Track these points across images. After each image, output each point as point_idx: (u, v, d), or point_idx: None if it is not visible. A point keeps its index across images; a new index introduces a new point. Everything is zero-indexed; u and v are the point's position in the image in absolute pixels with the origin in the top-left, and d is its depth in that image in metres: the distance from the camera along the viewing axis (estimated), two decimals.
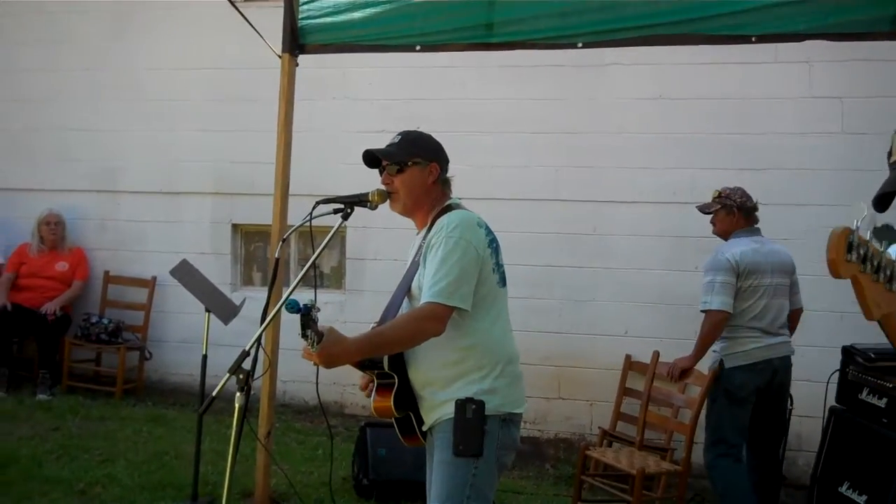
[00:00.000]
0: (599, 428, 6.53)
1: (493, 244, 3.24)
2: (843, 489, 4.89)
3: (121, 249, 8.24)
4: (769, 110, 6.77)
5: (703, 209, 5.61)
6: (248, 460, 5.47)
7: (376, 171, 3.41)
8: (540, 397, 7.10)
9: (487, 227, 3.25)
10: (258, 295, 6.42)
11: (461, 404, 3.06)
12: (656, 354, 5.66)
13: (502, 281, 3.26)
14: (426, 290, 3.08)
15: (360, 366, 3.21)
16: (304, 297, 3.03)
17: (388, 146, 3.37)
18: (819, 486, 5.14)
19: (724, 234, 5.54)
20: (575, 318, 7.06)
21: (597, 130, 7.09)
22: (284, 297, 3.54)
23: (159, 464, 5.94)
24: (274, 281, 4.23)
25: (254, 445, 5.29)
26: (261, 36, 5.28)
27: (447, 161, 3.40)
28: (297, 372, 6.42)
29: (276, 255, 4.28)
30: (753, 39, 4.88)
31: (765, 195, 6.61)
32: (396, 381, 3.19)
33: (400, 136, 3.38)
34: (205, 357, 5.05)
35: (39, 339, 7.69)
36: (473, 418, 3.04)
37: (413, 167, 3.31)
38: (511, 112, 7.23)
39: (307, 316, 2.84)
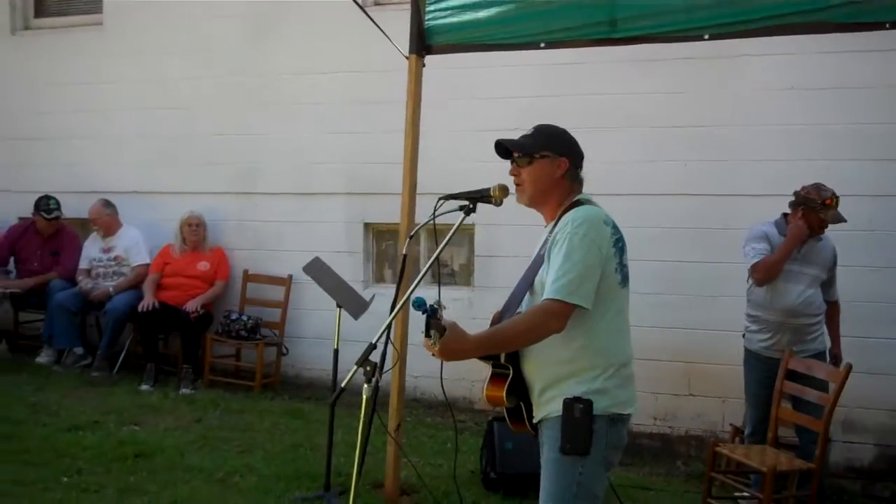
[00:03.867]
0: (731, 425, 6.43)
1: (619, 243, 3.19)
2: None
3: (259, 249, 8.53)
4: None
5: (840, 219, 5.63)
6: (380, 452, 5.60)
7: (505, 168, 3.44)
8: (670, 394, 7.06)
9: (615, 225, 3.22)
10: (389, 292, 6.49)
11: (569, 403, 3.06)
12: (789, 351, 5.53)
13: (624, 281, 3.20)
14: (548, 286, 3.06)
15: (484, 357, 3.24)
16: (431, 294, 3.09)
17: (521, 138, 3.39)
18: None
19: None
20: (705, 314, 6.95)
21: (727, 123, 6.98)
22: (408, 292, 3.65)
23: (295, 455, 6.14)
24: (402, 277, 4.35)
25: (385, 438, 5.41)
26: (388, 38, 5.41)
27: (581, 157, 3.38)
28: (428, 368, 6.48)
29: (404, 252, 4.41)
30: (888, 26, 4.72)
31: None
32: (511, 372, 3.22)
33: (534, 130, 3.39)
34: (336, 351, 5.19)
35: (183, 336, 8.05)
36: (581, 417, 3.04)
37: (542, 160, 3.31)
38: (639, 106, 7.17)
39: (433, 316, 2.87)
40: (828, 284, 5.77)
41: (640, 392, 6.98)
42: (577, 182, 3.37)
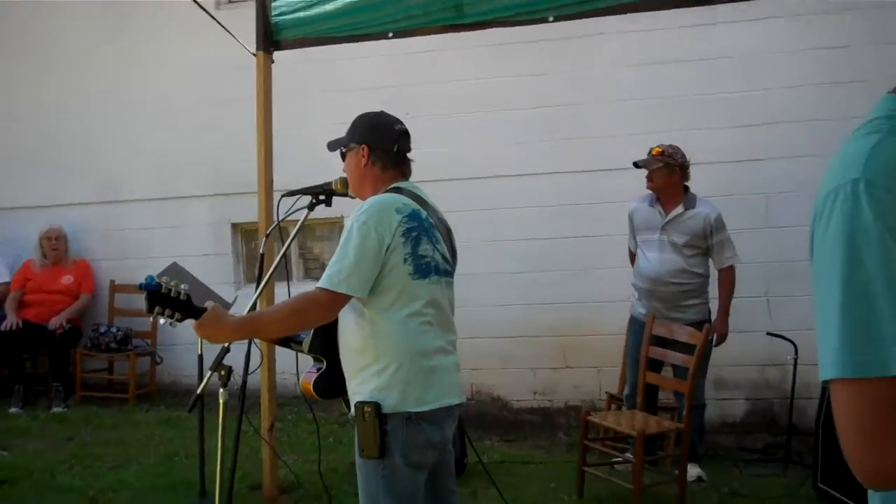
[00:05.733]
0: (607, 393, 6.56)
1: (413, 232, 3.04)
2: None
3: (126, 258, 8.33)
4: (760, 66, 6.72)
5: (643, 165, 5.80)
6: (257, 454, 5.54)
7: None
8: (548, 368, 7.19)
9: (412, 215, 3.07)
10: None
11: (359, 406, 2.99)
12: (652, 318, 5.67)
13: (420, 272, 3.06)
14: (324, 274, 2.99)
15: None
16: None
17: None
18: (823, 432, 5.15)
19: (660, 191, 5.81)
20: (579, 288, 7.08)
21: (588, 101, 7.09)
22: (257, 291, 3.62)
23: (170, 465, 6.02)
24: (260, 276, 4.30)
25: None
26: (233, 36, 5.33)
27: (389, 140, 3.24)
28: (309, 364, 6.51)
29: (262, 251, 4.39)
30: None
31: (764, 150, 6.66)
32: (325, 364, 3.18)
33: None
34: (200, 357, 5.10)
35: (50, 354, 7.79)
36: (369, 421, 2.96)
37: (349, 151, 3.29)
38: (502, 90, 7.23)
39: (154, 293, 2.88)
40: (711, 253, 5.84)
41: (519, 369, 7.17)
42: (389, 168, 3.25)
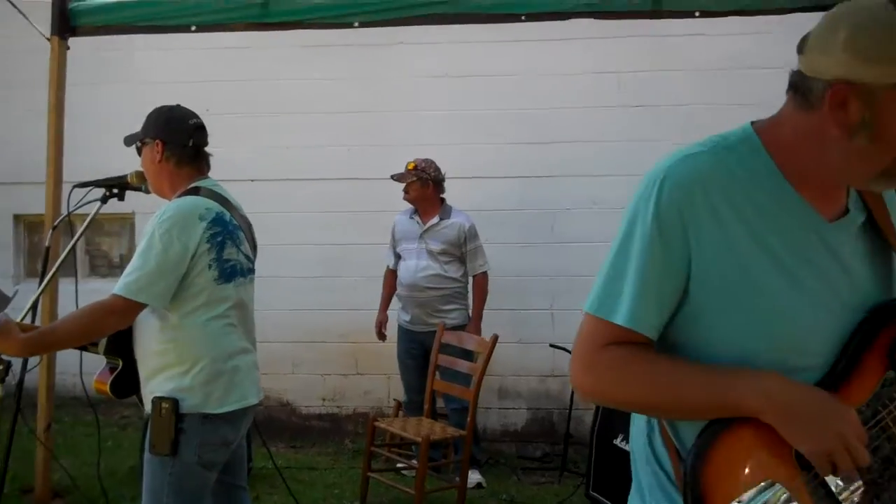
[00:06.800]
0: (395, 400, 6.66)
1: (218, 237, 3.07)
2: (617, 441, 5.14)
3: None
4: (554, 86, 6.98)
5: (398, 178, 6.13)
6: (31, 456, 5.30)
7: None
8: (338, 374, 7.21)
9: (216, 219, 3.08)
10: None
11: (156, 402, 2.97)
12: (441, 326, 5.82)
13: (225, 276, 3.09)
14: (120, 280, 2.96)
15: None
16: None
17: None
18: (597, 441, 5.39)
19: (416, 203, 6.16)
20: (369, 295, 7.09)
21: (387, 109, 7.16)
22: (41, 286, 3.49)
23: None
24: (44, 270, 4.16)
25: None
26: (26, 18, 5.10)
27: (185, 134, 3.20)
28: (94, 365, 6.27)
29: (47, 244, 4.23)
30: (523, 18, 5.07)
31: (553, 167, 6.92)
32: (121, 364, 3.13)
33: None
34: None
35: None
36: (165, 417, 2.94)
37: (144, 147, 3.24)
38: (305, 92, 7.21)
39: None
40: (465, 260, 6.12)
41: (308, 374, 7.15)
42: (184, 164, 3.21)
